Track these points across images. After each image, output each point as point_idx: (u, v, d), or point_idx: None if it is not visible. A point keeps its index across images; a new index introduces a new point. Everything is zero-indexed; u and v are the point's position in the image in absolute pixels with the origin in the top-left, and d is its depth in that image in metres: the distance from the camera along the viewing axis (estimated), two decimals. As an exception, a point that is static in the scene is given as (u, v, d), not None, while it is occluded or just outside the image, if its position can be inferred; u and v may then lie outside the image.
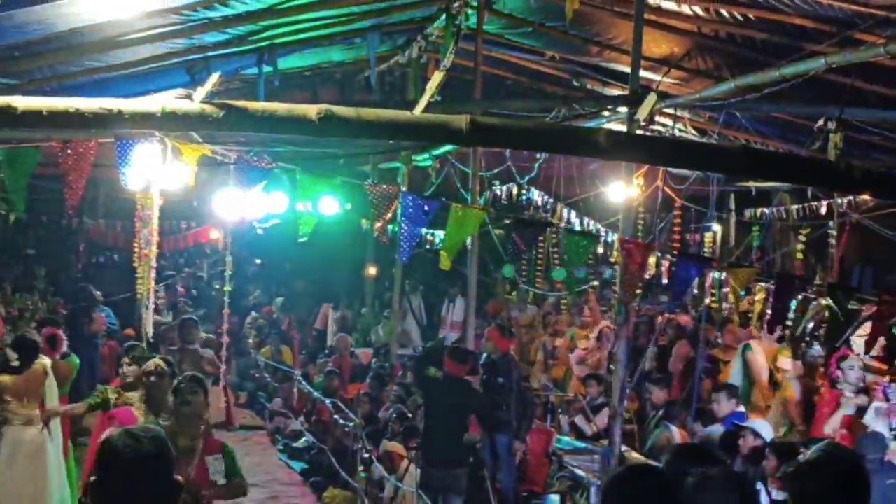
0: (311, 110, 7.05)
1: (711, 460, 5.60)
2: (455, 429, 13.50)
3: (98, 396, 12.06)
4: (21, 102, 6.83)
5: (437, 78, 7.42)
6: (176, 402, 9.27)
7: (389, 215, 8.84)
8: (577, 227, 17.22)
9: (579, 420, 16.12)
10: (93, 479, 4.34)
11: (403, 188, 9.88)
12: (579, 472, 14.04)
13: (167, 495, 4.36)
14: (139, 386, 11.14)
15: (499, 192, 19.09)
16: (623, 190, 12.13)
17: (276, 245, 26.39)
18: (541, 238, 10.94)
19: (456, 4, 14.52)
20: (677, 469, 5.36)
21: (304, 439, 18.85)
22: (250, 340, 25.02)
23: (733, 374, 14.77)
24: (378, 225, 9.15)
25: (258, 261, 32.03)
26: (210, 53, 13.27)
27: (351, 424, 16.32)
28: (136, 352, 12.94)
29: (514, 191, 18.60)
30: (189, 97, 7.34)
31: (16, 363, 12.85)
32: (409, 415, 16.20)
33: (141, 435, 4.36)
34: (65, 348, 14.44)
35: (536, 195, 18.24)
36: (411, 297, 23.63)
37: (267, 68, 14.13)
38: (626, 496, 4.60)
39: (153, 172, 9.02)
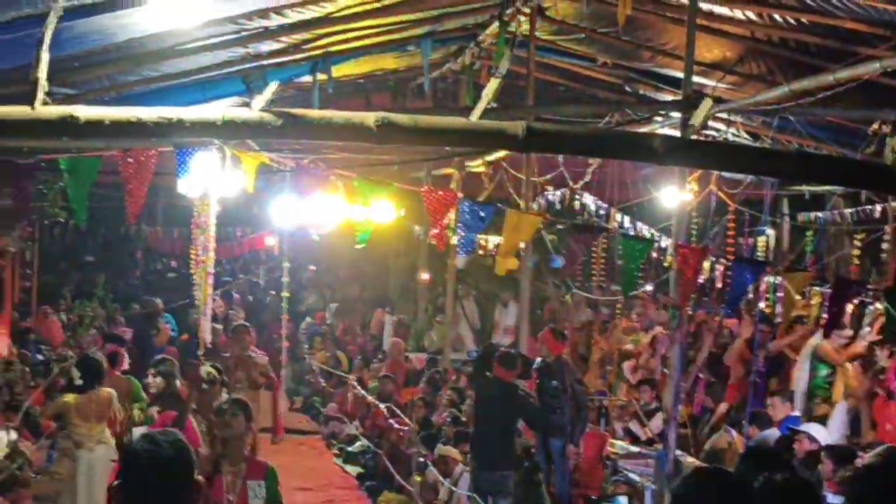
0: (369, 118, 7.07)
1: (780, 464, 5.57)
2: (504, 433, 13.49)
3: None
4: (83, 112, 6.90)
5: (493, 85, 7.42)
6: (217, 421, 9.18)
7: (446, 221, 8.86)
8: (631, 232, 17.13)
9: (633, 425, 16.09)
10: (115, 483, 4.40)
11: (459, 194, 9.86)
12: (634, 476, 13.99)
13: (187, 497, 4.40)
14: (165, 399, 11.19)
15: (552, 198, 19.03)
16: (676, 194, 12.07)
17: (330, 251, 26.48)
18: (596, 243, 10.92)
19: (508, 11, 14.50)
20: (747, 472, 5.33)
21: (358, 443, 18.89)
22: (305, 346, 25.12)
23: (800, 374, 14.71)
24: (434, 231, 9.17)
25: (312, 267, 32.11)
26: (265, 62, 13.32)
27: (405, 429, 16.34)
28: (164, 366, 12.97)
29: (567, 196, 18.53)
30: (247, 106, 7.38)
31: (79, 381, 12.86)
32: (463, 419, 16.19)
33: (160, 439, 4.41)
34: (126, 366, 14.53)
35: (589, 200, 18.18)
36: (464, 301, 23.60)
37: (321, 76, 14.17)
38: (698, 500, 4.57)
39: (211, 180, 9.07)
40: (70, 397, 12.77)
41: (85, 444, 12.58)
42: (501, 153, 17.02)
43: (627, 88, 16.91)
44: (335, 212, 12.78)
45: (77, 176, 7.92)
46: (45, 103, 6.84)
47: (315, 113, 7.22)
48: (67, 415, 12.71)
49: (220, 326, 20.19)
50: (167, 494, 4.32)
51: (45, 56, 6.84)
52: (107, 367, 13.52)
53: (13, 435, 13.94)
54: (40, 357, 18.58)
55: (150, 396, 13.30)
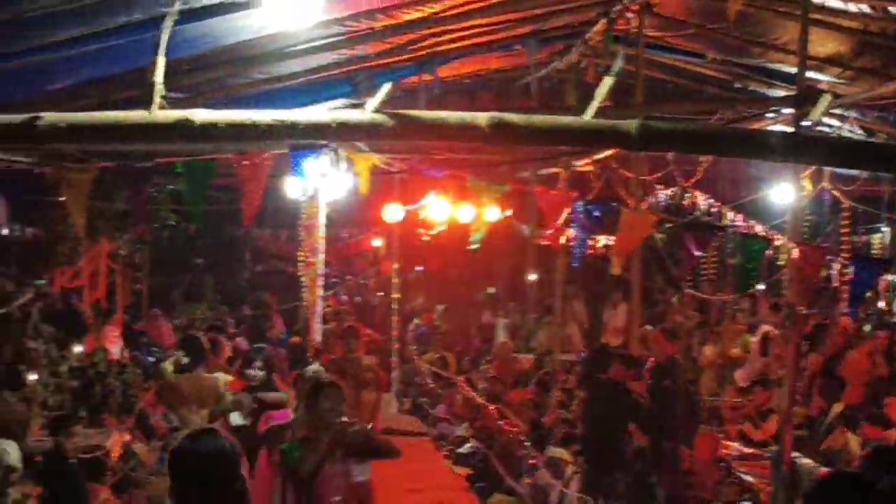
0: (481, 118, 7.03)
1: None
2: (615, 434, 13.40)
3: None
4: (198, 116, 6.95)
5: (606, 83, 7.34)
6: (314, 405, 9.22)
7: (559, 221, 8.80)
8: (744, 231, 16.91)
9: (747, 426, 15.89)
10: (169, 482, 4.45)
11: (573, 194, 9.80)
12: (748, 478, 13.82)
13: (232, 491, 4.41)
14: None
15: (662, 196, 18.84)
16: (790, 191, 11.88)
17: (437, 252, 26.50)
18: (709, 242, 10.80)
19: (616, 8, 14.40)
20: (869, 474, 5.23)
21: (468, 445, 18.84)
22: (413, 347, 25.17)
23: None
24: (547, 231, 9.12)
25: (419, 267, 32.16)
26: (371, 63, 13.36)
27: (515, 429, 16.30)
28: (263, 353, 12.93)
29: (677, 194, 18.34)
30: (355, 107, 7.39)
31: (184, 361, 12.95)
32: (573, 420, 16.12)
33: (202, 435, 4.44)
34: (227, 354, 14.55)
35: (700, 198, 17.97)
36: (573, 302, 23.51)
37: (427, 76, 14.19)
38: (832, 502, 4.50)
39: (321, 182, 9.11)
40: (170, 374, 12.90)
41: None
42: (609, 151, 16.91)
43: (737, 85, 16.71)
44: (444, 212, 12.82)
45: (194, 179, 8.00)
46: (161, 107, 6.91)
47: (428, 114, 7.19)
48: (169, 395, 12.83)
49: (330, 327, 20.25)
50: (211, 487, 4.35)
51: (161, 60, 6.90)
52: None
53: (126, 436, 14.16)
54: (151, 359, 18.81)
55: (249, 388, 13.35)
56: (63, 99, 9.77)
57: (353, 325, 16.74)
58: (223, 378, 13.14)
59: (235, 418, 12.75)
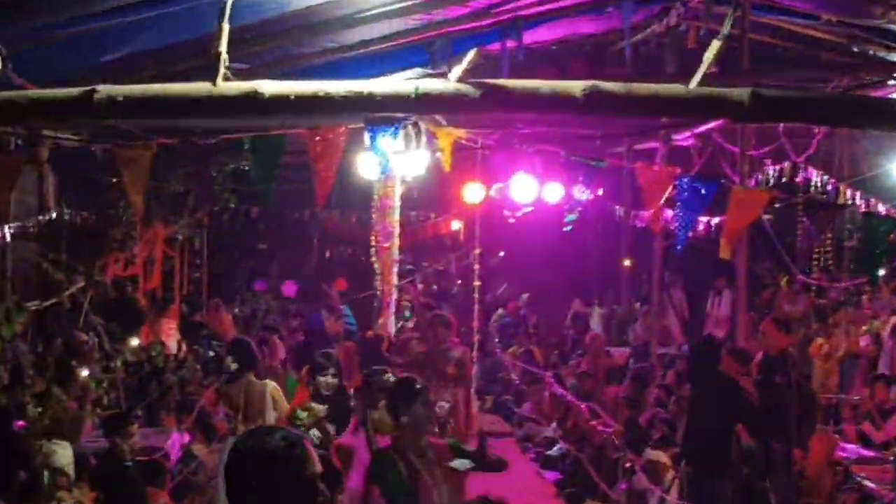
0: (576, 87, 6.99)
1: None
2: (722, 435, 13.30)
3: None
4: (267, 88, 6.96)
5: (714, 47, 7.25)
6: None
7: (662, 201, 8.71)
8: (865, 210, 16.70)
9: (867, 426, 15.72)
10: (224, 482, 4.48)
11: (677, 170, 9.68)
12: (869, 483, 13.67)
13: (301, 495, 4.41)
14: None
15: (771, 173, 18.65)
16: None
17: (522, 235, 26.42)
18: (827, 222, 10.66)
19: (720, -34, 14.29)
20: None
21: (557, 447, 18.81)
22: (496, 340, 25.14)
23: None
24: (649, 211, 9.04)
25: (501, 253, 32.00)
26: (450, 29, 13.32)
27: (610, 430, 16.22)
28: (331, 360, 12.77)
29: (788, 170, 18.14)
30: (434, 78, 7.36)
31: (233, 367, 12.86)
32: (673, 419, 16.02)
33: (265, 435, 4.44)
34: (280, 355, 14.48)
35: (815, 175, 17.76)
36: (672, 290, 23.35)
37: (511, 43, 14.13)
38: None
39: (398, 159, 9.09)
40: (224, 386, 12.88)
41: None
42: (713, 123, 16.74)
43: (854, 49, 16.49)
44: (531, 192, 12.75)
45: (262, 156, 7.96)
46: (226, 79, 6.93)
47: (518, 83, 7.15)
48: (229, 407, 12.82)
49: (409, 320, 20.14)
50: (275, 490, 4.36)
51: (225, 27, 6.91)
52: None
53: (186, 437, 14.24)
54: (212, 354, 18.86)
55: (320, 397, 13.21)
56: (117, 72, 9.85)
57: (442, 314, 16.68)
58: (271, 385, 13.01)
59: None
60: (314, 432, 11.38)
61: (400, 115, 7.46)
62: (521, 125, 14.09)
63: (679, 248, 9.73)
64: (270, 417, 12.57)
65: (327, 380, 12.16)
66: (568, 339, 25.19)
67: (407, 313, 21.00)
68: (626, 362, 21.41)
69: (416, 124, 8.12)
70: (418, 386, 9.02)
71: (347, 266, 27.47)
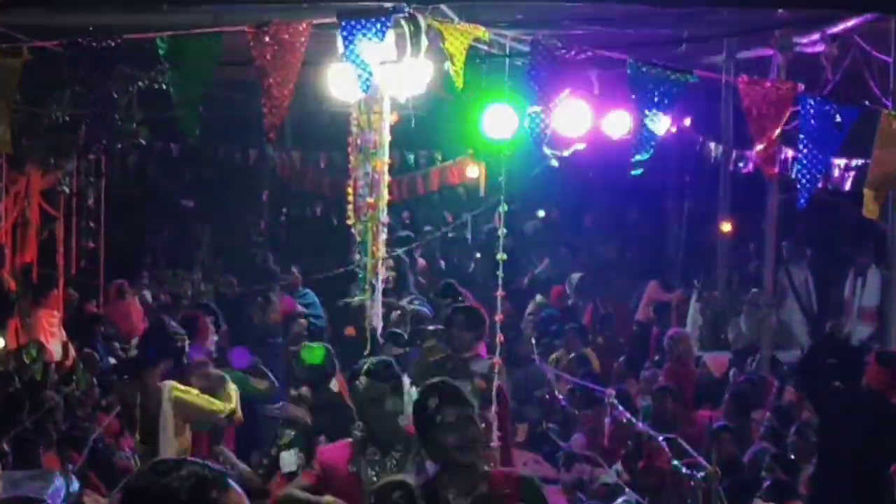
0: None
1: None
2: (872, 476, 13.39)
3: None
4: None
5: None
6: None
7: (777, 132, 8.70)
8: None
9: None
10: None
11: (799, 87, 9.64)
12: None
13: None
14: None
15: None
16: None
17: (570, 186, 26.41)
18: None
19: None
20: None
21: (622, 499, 18.86)
22: (532, 341, 25.07)
23: None
24: (758, 147, 9.02)
25: (541, 213, 31.70)
26: None
27: (700, 474, 16.30)
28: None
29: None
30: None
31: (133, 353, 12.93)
32: (792, 457, 16.09)
33: (169, 470, 4.48)
34: (211, 339, 14.40)
35: None
36: (792, 268, 23.30)
37: None
38: None
39: (387, 72, 9.12)
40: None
41: None
42: (854, 20, 16.73)
43: None
44: (584, 120, 12.77)
45: (185, 66, 7.84)
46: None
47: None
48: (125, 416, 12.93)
49: (406, 308, 20.04)
50: None
51: None
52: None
53: (75, 484, 14.26)
54: (113, 361, 18.83)
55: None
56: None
57: (470, 307, 16.68)
58: (170, 384, 13.00)
59: (289, 460, 12.72)
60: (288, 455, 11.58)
61: (388, 3, 7.47)
62: (570, 21, 14.09)
63: (803, 203, 9.71)
64: (169, 434, 12.68)
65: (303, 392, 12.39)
66: (639, 339, 25.19)
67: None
68: (724, 374, 21.44)
69: (412, 17, 8.12)
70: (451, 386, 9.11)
71: (313, 231, 27.49)
